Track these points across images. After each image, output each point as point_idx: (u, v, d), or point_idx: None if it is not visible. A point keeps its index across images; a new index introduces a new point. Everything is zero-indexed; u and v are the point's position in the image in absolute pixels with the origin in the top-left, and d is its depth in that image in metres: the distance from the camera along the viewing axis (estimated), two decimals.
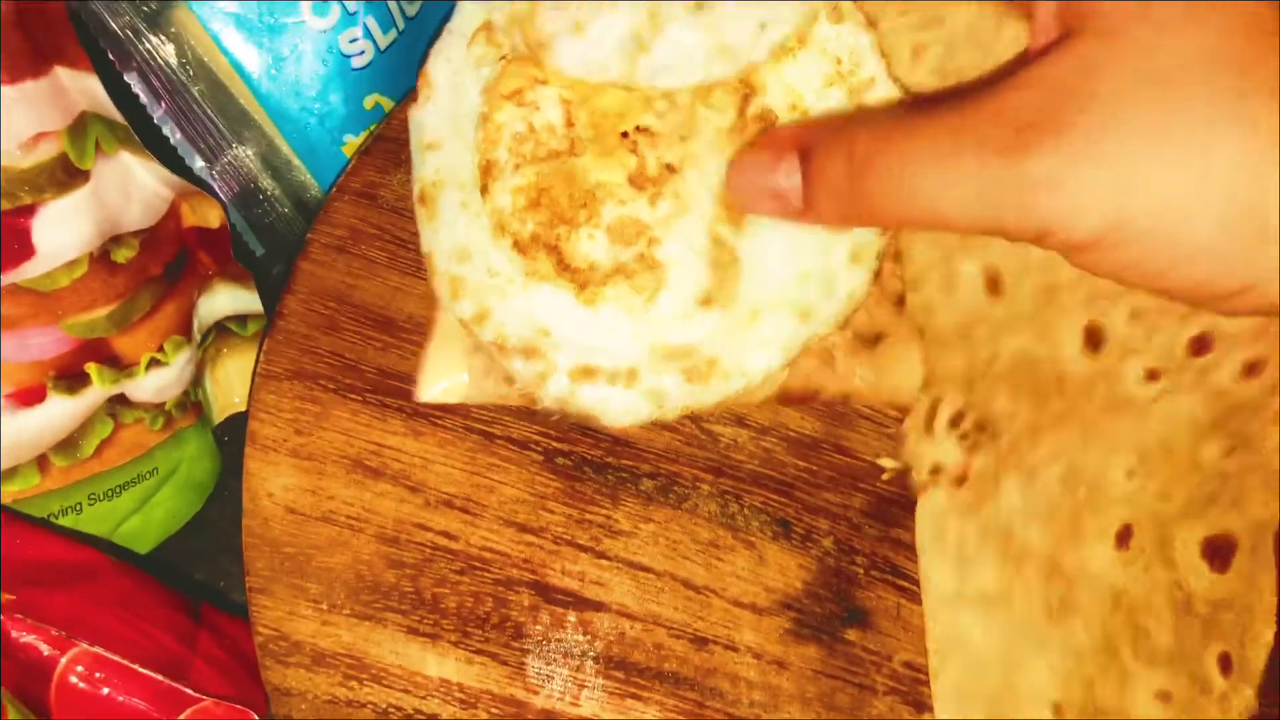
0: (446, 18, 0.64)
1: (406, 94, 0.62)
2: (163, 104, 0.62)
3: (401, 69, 0.66)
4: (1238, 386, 0.55)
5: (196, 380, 0.63)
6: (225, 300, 0.63)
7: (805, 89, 0.56)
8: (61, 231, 0.51)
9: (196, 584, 0.67)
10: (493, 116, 0.56)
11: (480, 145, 0.56)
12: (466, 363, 0.57)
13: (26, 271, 0.51)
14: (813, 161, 0.50)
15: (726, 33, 0.55)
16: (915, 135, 0.46)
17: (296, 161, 0.66)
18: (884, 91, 0.55)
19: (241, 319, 0.65)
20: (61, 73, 0.50)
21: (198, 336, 0.62)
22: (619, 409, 0.56)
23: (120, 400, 0.57)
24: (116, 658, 0.49)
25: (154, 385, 0.58)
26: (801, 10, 0.55)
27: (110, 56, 0.61)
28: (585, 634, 0.57)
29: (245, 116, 0.64)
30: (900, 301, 0.58)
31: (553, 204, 0.56)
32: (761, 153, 0.53)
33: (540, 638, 0.56)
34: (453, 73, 0.57)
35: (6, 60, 0.48)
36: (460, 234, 0.56)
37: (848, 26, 0.55)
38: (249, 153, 0.65)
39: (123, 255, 0.54)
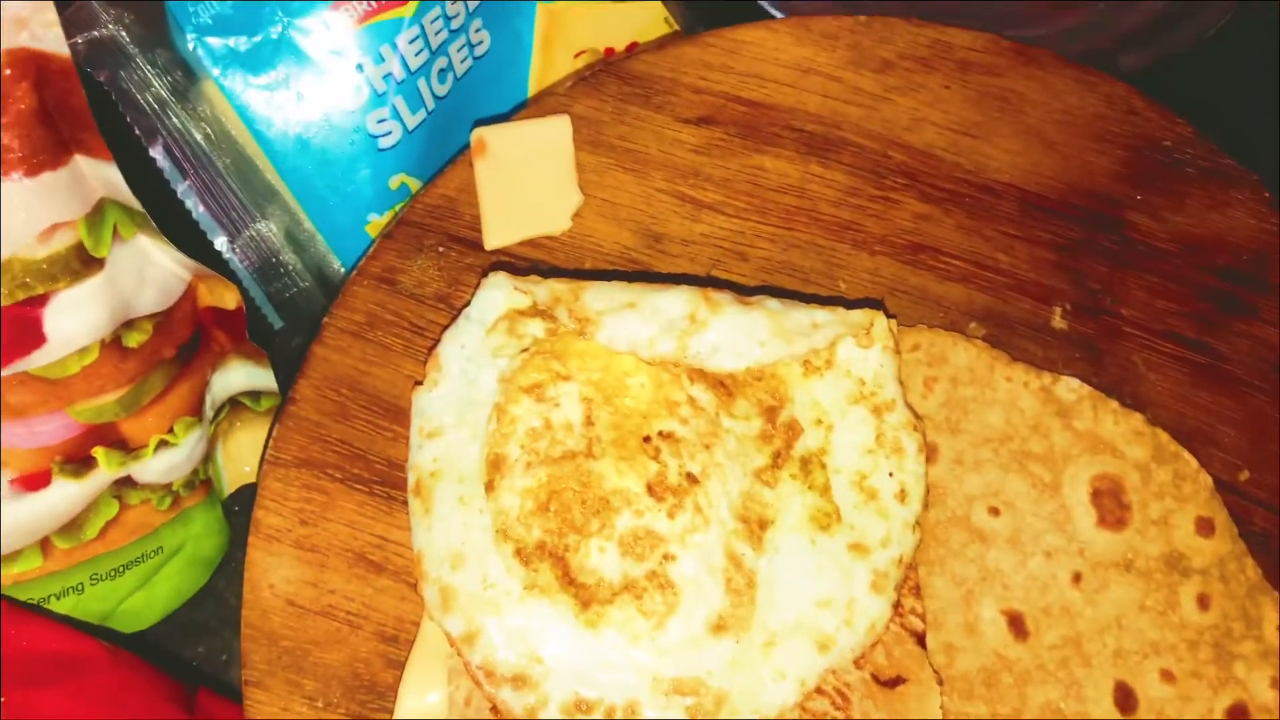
0: (479, 98, 0.64)
1: (433, 177, 0.62)
2: (187, 178, 0.62)
3: (429, 150, 0.65)
4: None
5: (207, 456, 0.63)
6: (240, 377, 0.63)
7: (830, 405, 0.56)
8: (73, 320, 0.51)
9: (197, 660, 0.67)
10: (508, 409, 0.53)
11: (492, 437, 0.53)
12: (448, 688, 0.53)
13: (36, 360, 0.51)
14: None
15: (784, 320, 0.56)
16: None
17: (319, 236, 0.66)
18: (901, 416, 0.56)
19: (255, 394, 0.64)
20: (81, 162, 0.50)
21: (210, 413, 0.62)
22: None
23: (126, 482, 0.57)
24: None
25: (162, 466, 0.58)
26: (845, 318, 0.57)
27: (137, 132, 0.61)
28: None
29: (269, 191, 0.64)
30: (921, 640, 0.55)
31: (564, 509, 0.52)
32: None
33: None
34: (466, 359, 0.55)
35: (29, 153, 0.47)
36: (456, 535, 0.52)
37: (875, 350, 0.57)
38: (272, 228, 0.65)
39: (135, 339, 0.54)
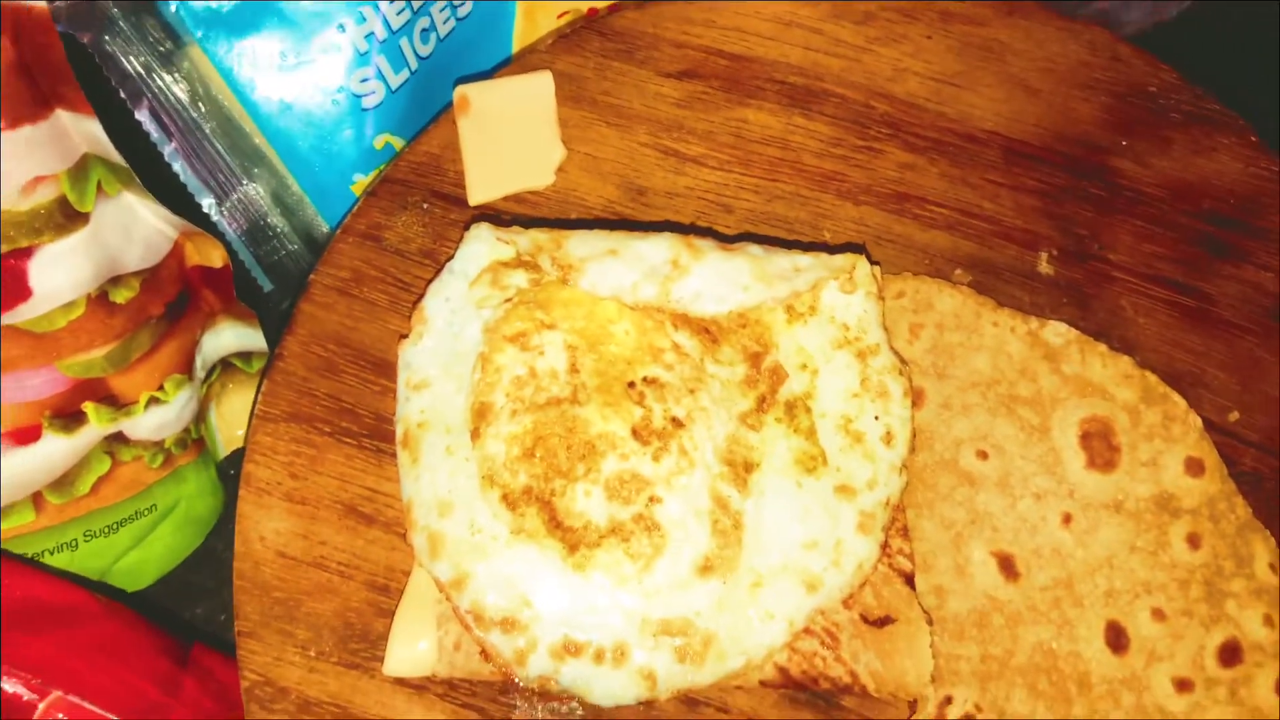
0: (463, 58, 0.65)
1: (417, 135, 0.63)
2: (173, 141, 0.63)
3: (413, 109, 0.66)
4: (1274, 706, 0.55)
5: (200, 416, 0.63)
6: (230, 337, 0.63)
7: (815, 350, 0.56)
8: (59, 273, 0.51)
9: (195, 620, 0.67)
10: (493, 358, 0.54)
11: (477, 387, 0.53)
12: (437, 633, 0.53)
13: (23, 313, 0.51)
14: None
15: (766, 264, 0.56)
16: None
17: (307, 199, 0.66)
18: (886, 360, 0.56)
19: (246, 355, 0.65)
20: (63, 116, 0.51)
21: (201, 373, 0.62)
22: (605, 690, 0.52)
23: (118, 438, 0.57)
24: (93, 706, 0.49)
25: (153, 423, 0.58)
26: (826, 262, 0.57)
27: (122, 95, 0.61)
28: None
29: (256, 154, 0.65)
30: (909, 581, 0.55)
31: (549, 455, 0.52)
32: None
33: (529, 693, 0.55)
34: (450, 312, 0.55)
35: (7, 106, 0.48)
36: (443, 483, 0.53)
37: (858, 296, 0.57)
38: (259, 190, 0.65)
39: (122, 296, 0.54)
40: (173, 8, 0.60)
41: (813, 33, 0.65)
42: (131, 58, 0.60)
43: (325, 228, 0.67)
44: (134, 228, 0.55)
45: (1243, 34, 0.80)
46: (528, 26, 0.68)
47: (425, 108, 0.65)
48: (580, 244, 0.56)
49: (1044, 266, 0.62)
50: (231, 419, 0.66)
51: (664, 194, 0.62)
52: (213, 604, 0.68)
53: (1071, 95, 0.65)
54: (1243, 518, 0.58)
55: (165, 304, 0.57)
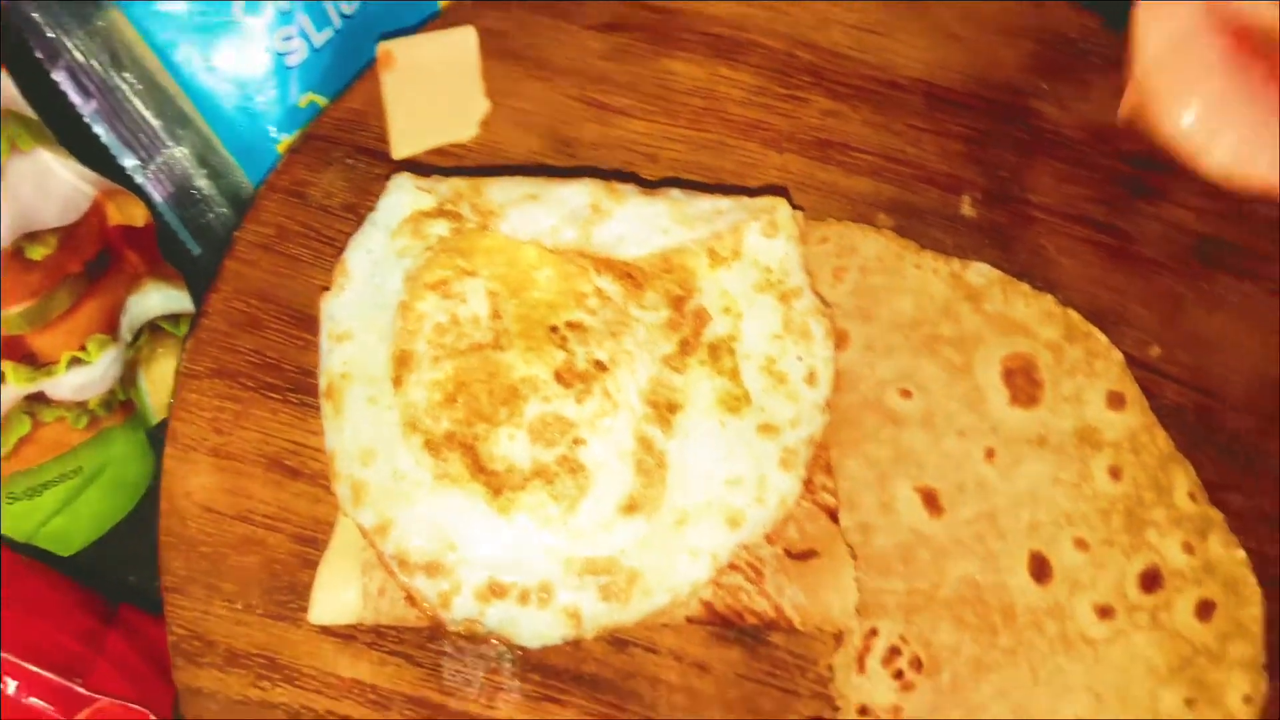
0: (388, 15, 0.65)
1: (341, 91, 0.63)
2: (94, 102, 0.62)
3: (338, 68, 0.66)
4: (1193, 630, 0.56)
5: (129, 380, 0.63)
6: (157, 300, 0.63)
7: (738, 293, 0.56)
8: None
9: (129, 585, 0.67)
10: (414, 305, 0.53)
11: (399, 335, 0.53)
12: (361, 580, 0.53)
13: None
14: None
15: (687, 207, 0.56)
16: None
17: (234, 161, 0.66)
18: (808, 302, 0.57)
19: (175, 318, 0.65)
20: None
21: (127, 336, 0.62)
22: (530, 630, 0.52)
23: (39, 398, 0.57)
24: (14, 658, 0.49)
25: (75, 383, 0.58)
26: (747, 205, 0.58)
27: (38, 54, 0.61)
28: None
29: (181, 116, 0.64)
30: (833, 516, 0.55)
31: (471, 400, 0.52)
32: None
33: (457, 639, 0.55)
34: (372, 263, 0.55)
35: None
36: (366, 433, 0.53)
37: (780, 240, 0.57)
38: (184, 152, 0.65)
39: (38, 252, 0.54)
40: None
41: None
42: (49, 17, 0.60)
43: (252, 189, 0.67)
44: (50, 184, 0.55)
45: None
46: None
47: (350, 65, 0.65)
48: (500, 190, 0.56)
49: (966, 209, 0.63)
50: (162, 385, 0.66)
51: (589, 145, 0.62)
52: (147, 571, 0.67)
53: (994, 41, 0.65)
54: (1164, 449, 0.59)
55: (84, 262, 0.57)
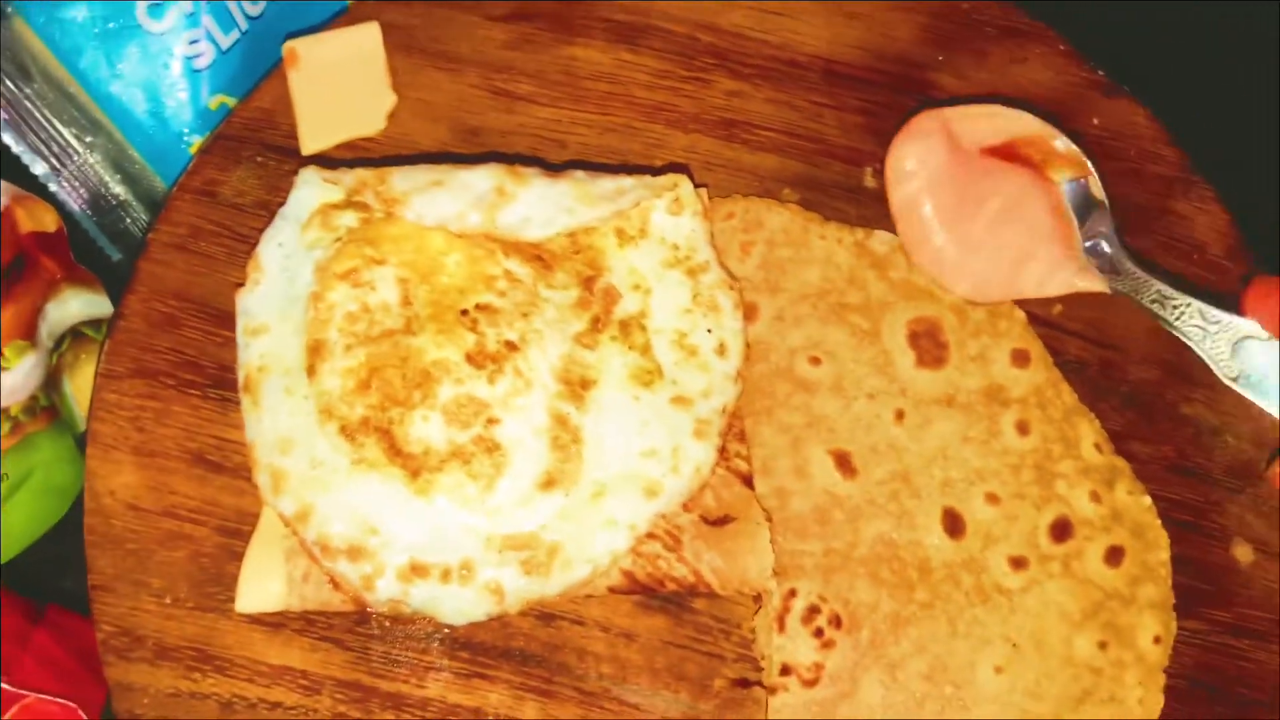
0: (295, 16, 0.65)
1: (249, 92, 0.63)
2: (1, 113, 0.63)
3: (246, 69, 0.66)
4: (1103, 576, 0.58)
5: (53, 386, 0.63)
6: (76, 305, 0.64)
7: (646, 270, 0.58)
8: None
9: (63, 591, 0.67)
10: (325, 295, 0.54)
11: (310, 325, 0.54)
12: (285, 567, 0.54)
13: None
14: None
15: (590, 187, 0.58)
16: None
17: (149, 167, 0.66)
18: (715, 276, 0.58)
19: (96, 323, 0.65)
20: None
21: (48, 342, 0.62)
22: (454, 608, 0.53)
23: None
24: None
25: None
26: (649, 183, 0.59)
27: None
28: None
29: (93, 123, 0.65)
30: (748, 482, 0.57)
31: (385, 385, 0.53)
32: None
33: (385, 622, 0.56)
34: (284, 257, 0.56)
35: None
36: (284, 422, 0.54)
37: (686, 216, 0.58)
38: (97, 159, 0.65)
39: None
40: None
41: None
42: None
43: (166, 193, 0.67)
44: None
45: None
46: None
47: (259, 66, 0.66)
48: (404, 178, 0.57)
49: (869, 181, 0.64)
50: (87, 389, 0.65)
51: (497, 133, 0.63)
52: (81, 577, 0.68)
53: (890, 17, 0.67)
54: (1069, 403, 0.61)
55: None
